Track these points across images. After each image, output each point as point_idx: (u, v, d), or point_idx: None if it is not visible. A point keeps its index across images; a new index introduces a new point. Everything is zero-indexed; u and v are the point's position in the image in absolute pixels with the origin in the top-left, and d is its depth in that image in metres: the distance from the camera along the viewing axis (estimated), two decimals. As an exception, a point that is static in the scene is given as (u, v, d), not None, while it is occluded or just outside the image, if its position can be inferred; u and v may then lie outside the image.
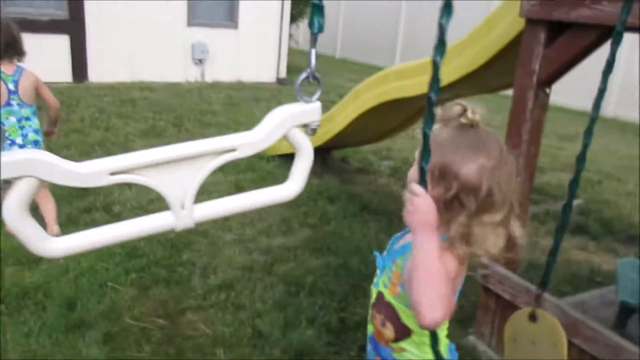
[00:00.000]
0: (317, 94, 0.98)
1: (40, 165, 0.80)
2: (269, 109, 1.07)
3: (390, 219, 4.21)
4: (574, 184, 1.46)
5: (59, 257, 0.89)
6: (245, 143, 0.92)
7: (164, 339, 2.59)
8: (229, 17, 9.90)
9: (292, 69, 11.05)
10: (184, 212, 0.91)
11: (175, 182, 0.89)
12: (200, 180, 0.91)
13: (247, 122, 6.88)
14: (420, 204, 1.12)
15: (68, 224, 3.57)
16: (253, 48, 10.03)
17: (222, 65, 9.88)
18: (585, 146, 1.43)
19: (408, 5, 14.57)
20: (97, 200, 4.06)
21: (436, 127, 1.16)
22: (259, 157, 5.35)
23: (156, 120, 6.57)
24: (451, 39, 1.20)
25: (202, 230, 3.73)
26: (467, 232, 1.16)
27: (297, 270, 3.31)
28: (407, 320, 1.29)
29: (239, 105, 8.14)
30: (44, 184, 0.82)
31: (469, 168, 1.15)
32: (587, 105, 9.13)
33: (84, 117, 6.40)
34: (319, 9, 0.93)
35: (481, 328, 2.74)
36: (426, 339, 1.28)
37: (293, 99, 1.03)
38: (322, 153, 5.60)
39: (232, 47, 9.93)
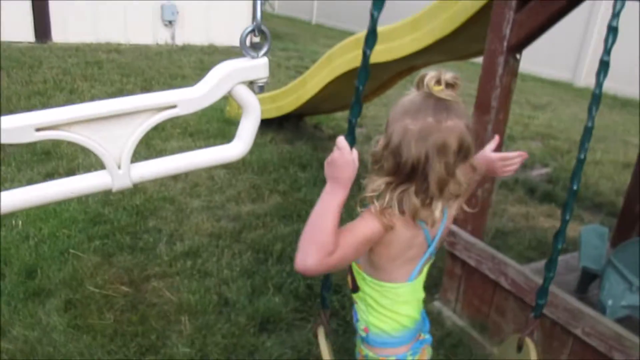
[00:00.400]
0: (264, 49, 0.92)
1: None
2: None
3: (362, 187, 4.19)
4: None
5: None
6: (186, 99, 0.86)
7: (127, 306, 2.55)
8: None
9: (267, 34, 10.79)
10: (120, 172, 0.85)
11: (110, 140, 0.83)
12: (137, 138, 0.85)
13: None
14: (336, 158, 1.14)
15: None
16: (225, 11, 9.74)
17: (193, 28, 9.59)
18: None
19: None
20: (60, 165, 3.94)
21: (411, 91, 1.18)
22: (231, 122, 5.25)
23: (123, 84, 6.36)
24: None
25: (170, 197, 3.66)
26: (384, 194, 1.18)
27: (266, 237, 3.28)
28: (357, 275, 1.34)
29: (210, 69, 7.94)
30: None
31: (394, 127, 1.15)
32: (560, 74, 9.19)
33: (47, 79, 6.16)
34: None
35: (447, 294, 2.76)
36: (368, 298, 1.32)
37: (271, 65, 0.97)
38: (294, 119, 5.53)
39: (203, 9, 9.63)
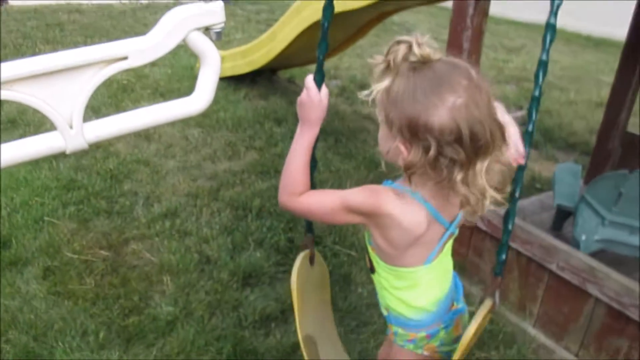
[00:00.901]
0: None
1: None
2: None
3: (338, 138, 4.17)
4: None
5: None
6: (137, 50, 0.81)
7: (107, 270, 2.53)
8: None
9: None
10: (73, 132, 0.81)
11: (58, 97, 0.79)
12: (88, 95, 0.81)
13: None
14: (304, 98, 1.14)
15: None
16: None
17: None
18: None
19: None
20: (27, 133, 3.82)
21: (386, 82, 1.02)
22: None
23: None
24: None
25: (144, 159, 3.59)
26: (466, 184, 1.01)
27: (244, 194, 3.26)
28: (372, 257, 1.26)
29: None
30: None
31: (440, 114, 0.95)
32: (535, 17, 9.06)
33: (7, 44, 5.90)
34: None
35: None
36: (383, 281, 1.25)
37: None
38: (267, 74, 5.41)
39: None
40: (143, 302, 2.35)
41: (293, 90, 5.44)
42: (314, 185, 1.28)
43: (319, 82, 1.17)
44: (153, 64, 5.59)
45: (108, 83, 4.71)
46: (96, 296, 2.35)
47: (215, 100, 3.94)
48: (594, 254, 2.18)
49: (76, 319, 2.21)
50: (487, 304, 1.27)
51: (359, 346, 2.23)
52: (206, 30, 0.88)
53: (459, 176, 0.98)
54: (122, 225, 2.87)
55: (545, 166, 3.99)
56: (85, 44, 6.40)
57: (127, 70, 0.84)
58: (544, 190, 3.39)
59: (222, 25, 0.88)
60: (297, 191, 1.15)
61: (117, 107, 4.38)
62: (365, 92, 1.05)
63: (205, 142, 3.95)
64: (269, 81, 5.38)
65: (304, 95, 1.15)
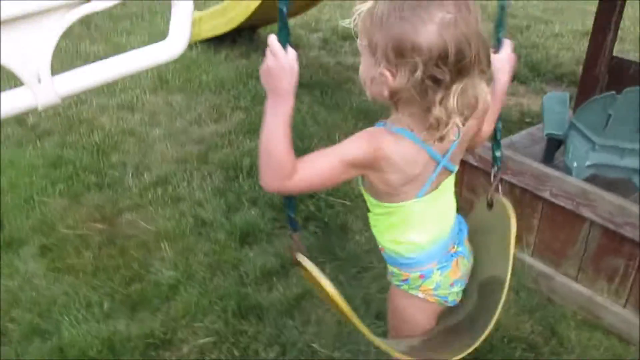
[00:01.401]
0: None
1: None
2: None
3: (324, 90, 4.11)
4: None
5: None
6: (97, -8, 0.77)
7: (104, 242, 2.53)
8: None
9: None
10: (41, 85, 0.77)
11: (21, 49, 0.75)
12: (53, 44, 0.77)
13: (169, 12, 6.36)
14: (270, 65, 0.97)
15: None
16: None
17: None
18: None
19: None
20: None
21: (370, 2, 0.99)
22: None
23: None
24: None
25: (129, 130, 3.54)
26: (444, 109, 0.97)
27: (234, 155, 3.23)
28: (365, 196, 1.24)
29: None
30: None
31: (428, 31, 0.92)
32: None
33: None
34: None
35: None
36: (378, 217, 1.22)
37: None
38: (247, 33, 5.29)
39: None
40: (144, 270, 2.35)
41: None
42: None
43: (283, 42, 0.98)
44: (129, 32, 5.43)
45: (85, 56, 4.60)
46: (96, 268, 2.35)
47: (197, 64, 3.89)
48: (587, 180, 2.19)
49: (78, 292, 2.21)
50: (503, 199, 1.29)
51: (361, 291, 2.25)
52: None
53: (438, 97, 0.96)
54: (114, 197, 2.85)
55: (534, 100, 3.96)
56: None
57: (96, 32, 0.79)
58: (534, 124, 3.38)
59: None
60: (287, 173, 1.00)
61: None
62: (347, 20, 1.01)
63: (190, 107, 3.89)
64: (249, 40, 5.26)
65: (269, 60, 0.97)
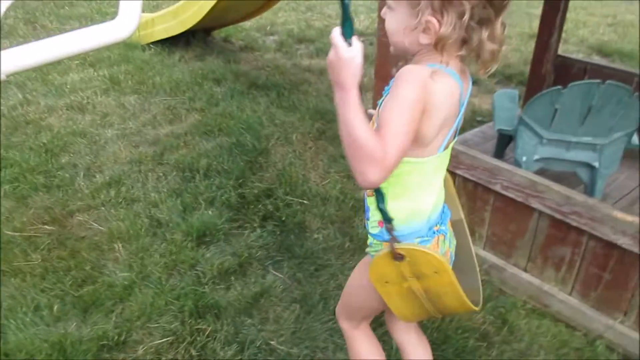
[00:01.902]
0: None
1: None
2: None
3: (280, 92, 4.12)
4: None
5: None
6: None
7: (54, 243, 2.44)
8: None
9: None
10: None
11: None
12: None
13: (115, 13, 6.21)
14: (332, 58, 0.97)
15: None
16: None
17: None
18: None
19: None
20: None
21: None
22: (133, 46, 4.90)
23: (5, 18, 5.73)
24: None
25: (80, 131, 3.44)
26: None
27: (190, 155, 3.18)
28: None
29: None
30: None
31: None
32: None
33: None
34: None
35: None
36: (391, 182, 1.13)
37: None
38: (201, 35, 5.24)
39: None
40: (96, 271, 2.28)
41: (230, 49, 5.31)
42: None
43: (347, 33, 0.96)
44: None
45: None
46: (45, 270, 2.26)
47: (150, 65, 3.82)
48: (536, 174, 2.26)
49: (26, 295, 2.12)
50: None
51: (319, 288, 2.26)
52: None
53: (485, 34, 1.02)
54: (64, 199, 2.75)
55: (484, 99, 4.08)
56: None
57: None
58: (486, 122, 3.48)
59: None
60: (381, 154, 0.95)
61: (44, 80, 4.15)
62: None
63: (144, 108, 3.81)
64: (203, 42, 5.22)
65: (331, 54, 0.97)
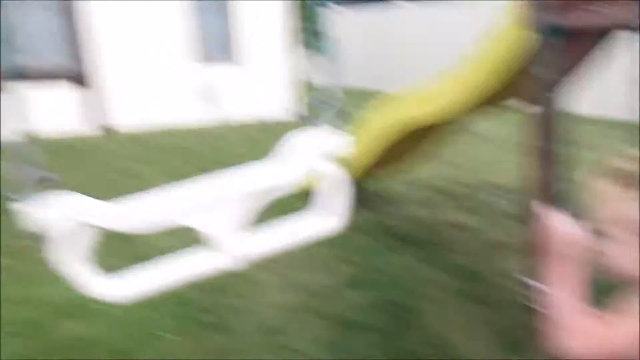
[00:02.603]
0: (337, 123, 0.98)
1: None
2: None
3: (425, 247, 4.15)
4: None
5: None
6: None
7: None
8: (236, 54, 9.82)
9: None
10: (231, 250, 0.93)
11: (218, 222, 0.91)
12: (250, 217, 0.94)
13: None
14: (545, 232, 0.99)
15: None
16: (264, 84, 9.83)
17: (237, 104, 9.57)
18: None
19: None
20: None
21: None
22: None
23: (183, 165, 6.61)
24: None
25: (239, 273, 3.70)
26: None
27: (344, 307, 3.27)
28: None
29: (263, 144, 7.87)
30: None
31: None
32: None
33: (118, 168, 6.50)
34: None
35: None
36: None
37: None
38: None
39: (241, 84, 9.72)
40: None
41: (377, 201, 5.45)
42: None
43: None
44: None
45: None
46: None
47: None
48: None
49: None
50: None
51: None
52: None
53: None
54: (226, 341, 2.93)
55: None
56: (184, 164, 6.71)
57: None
58: None
59: (347, 152, 0.99)
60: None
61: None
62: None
63: (294, 255, 4.02)
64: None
65: (543, 227, 1.02)
